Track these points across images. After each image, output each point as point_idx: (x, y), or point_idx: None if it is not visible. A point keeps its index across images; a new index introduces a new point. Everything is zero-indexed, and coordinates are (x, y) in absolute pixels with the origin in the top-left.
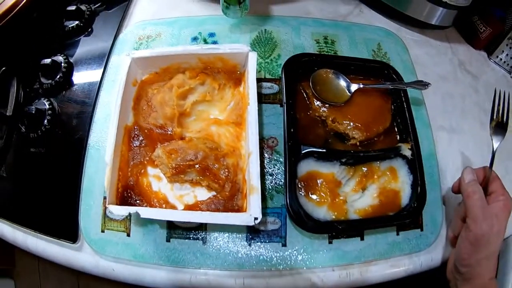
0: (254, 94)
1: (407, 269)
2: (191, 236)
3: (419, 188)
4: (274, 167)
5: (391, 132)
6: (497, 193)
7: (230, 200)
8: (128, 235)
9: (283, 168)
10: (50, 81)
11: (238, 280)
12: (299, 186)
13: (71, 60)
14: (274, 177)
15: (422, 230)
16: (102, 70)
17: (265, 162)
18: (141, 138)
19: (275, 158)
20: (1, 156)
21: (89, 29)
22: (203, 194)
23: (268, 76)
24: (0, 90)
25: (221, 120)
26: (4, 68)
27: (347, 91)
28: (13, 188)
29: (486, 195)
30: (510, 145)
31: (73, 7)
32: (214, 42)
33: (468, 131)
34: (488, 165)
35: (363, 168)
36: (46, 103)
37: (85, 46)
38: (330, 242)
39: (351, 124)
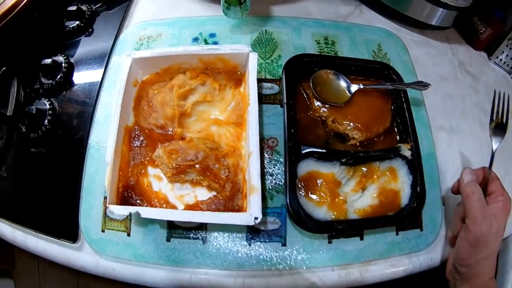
0: (254, 95)
1: (406, 268)
2: (191, 235)
3: (418, 188)
4: (274, 167)
5: (391, 132)
6: (496, 193)
7: (231, 200)
8: (129, 235)
9: (283, 168)
10: (50, 81)
11: (238, 279)
12: (299, 186)
13: (72, 60)
14: (274, 177)
15: (421, 230)
16: (102, 70)
17: (265, 162)
18: (141, 138)
19: (275, 158)
20: (1, 156)
21: (90, 29)
22: (203, 194)
23: (268, 77)
24: (0, 90)
25: (222, 120)
26: (4, 68)
27: (347, 92)
28: (13, 188)
29: (485, 196)
30: (510, 145)
31: (73, 7)
32: (215, 43)
33: (468, 132)
34: (488, 166)
35: (363, 168)
36: (47, 103)
37: (86, 46)
38: (329, 242)
39: (351, 124)
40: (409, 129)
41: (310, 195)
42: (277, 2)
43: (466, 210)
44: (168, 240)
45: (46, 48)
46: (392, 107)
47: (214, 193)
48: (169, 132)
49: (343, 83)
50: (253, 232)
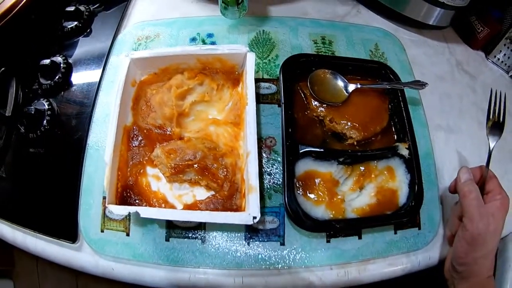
0: (252, 94)
1: (405, 267)
2: (190, 235)
3: (416, 187)
4: (272, 167)
5: (388, 131)
6: (494, 192)
7: (229, 199)
8: (128, 234)
9: (281, 168)
10: (49, 81)
11: (237, 279)
12: (297, 185)
13: (70, 61)
14: (272, 176)
15: (419, 228)
16: (101, 70)
17: (263, 162)
18: (140, 138)
19: (273, 157)
20: (0, 157)
21: (88, 30)
22: (202, 193)
23: (266, 77)
24: None
25: (220, 120)
26: (3, 69)
27: (344, 91)
28: (12, 188)
29: (483, 194)
30: (508, 145)
31: (72, 8)
32: (213, 43)
33: (465, 131)
34: (485, 165)
35: (360, 168)
36: (45, 104)
37: (84, 47)
38: (328, 241)
39: (349, 124)
40: (406, 128)
41: (308, 194)
42: (274, 2)
43: (463, 209)
44: (167, 240)
45: (45, 49)
46: (390, 107)
47: (213, 192)
48: (168, 132)
49: (340, 83)
50: (251, 232)
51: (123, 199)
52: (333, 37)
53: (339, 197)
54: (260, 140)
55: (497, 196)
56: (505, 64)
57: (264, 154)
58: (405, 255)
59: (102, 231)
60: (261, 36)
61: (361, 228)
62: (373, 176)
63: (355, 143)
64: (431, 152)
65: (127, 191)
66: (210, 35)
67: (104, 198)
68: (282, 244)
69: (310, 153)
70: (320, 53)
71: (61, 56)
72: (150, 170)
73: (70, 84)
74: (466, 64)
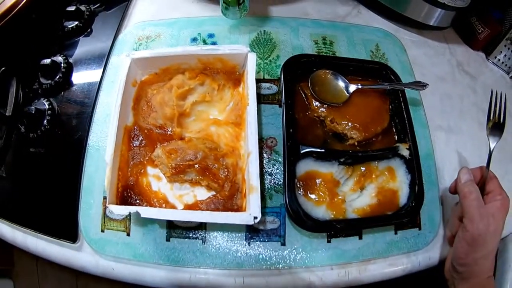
0: (253, 95)
1: (405, 268)
2: (190, 235)
3: (417, 188)
4: (273, 167)
5: (389, 132)
6: (494, 192)
7: (230, 199)
8: (128, 234)
9: (282, 168)
10: (49, 81)
11: (237, 279)
12: (298, 185)
13: (71, 61)
14: (273, 176)
15: (420, 229)
16: (101, 70)
17: (264, 162)
18: (141, 138)
19: (274, 158)
20: (0, 156)
21: (89, 30)
22: (202, 193)
23: (267, 77)
24: None
25: (221, 120)
26: (3, 68)
27: (345, 92)
28: (12, 188)
29: (483, 195)
30: (509, 145)
31: (72, 8)
32: (214, 43)
33: (466, 132)
34: (485, 165)
35: (361, 168)
36: (46, 103)
37: (85, 47)
38: (328, 241)
39: (350, 124)
40: (407, 129)
41: (309, 194)
42: (275, 3)
43: (463, 210)
44: (167, 240)
45: (45, 48)
46: (390, 107)
47: (214, 192)
48: (168, 132)
49: (341, 83)
50: (252, 232)
51: (123, 199)
52: (334, 37)
53: (340, 197)
54: (261, 140)
55: (498, 197)
56: (506, 65)
57: (265, 155)
58: (405, 256)
59: (102, 231)
60: (262, 37)
61: (362, 228)
62: (373, 176)
63: (356, 143)
64: (432, 153)
65: (128, 191)
66: (211, 35)
67: (105, 198)
68: (283, 244)
69: (311, 153)
70: (321, 54)
71: (61, 56)
72: (150, 170)
73: (70, 84)
74: (466, 64)
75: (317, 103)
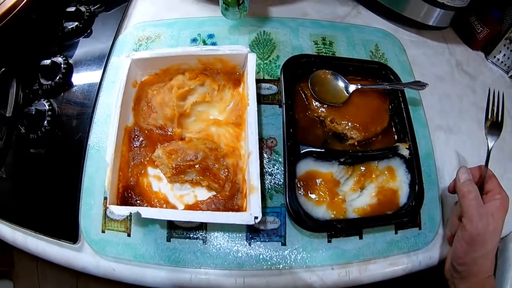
0: (253, 95)
1: (405, 267)
2: (191, 235)
3: (417, 187)
4: (273, 167)
5: (389, 132)
6: (493, 192)
7: (230, 199)
8: (129, 235)
9: (282, 168)
10: (49, 82)
11: (238, 279)
12: (298, 185)
13: (71, 61)
14: (274, 177)
15: (420, 228)
16: (101, 71)
17: (265, 162)
18: (141, 138)
19: (274, 158)
20: (0, 157)
21: (89, 31)
22: (203, 194)
23: (267, 77)
24: None
25: (221, 120)
26: (3, 69)
27: (345, 92)
28: (13, 189)
29: (482, 194)
30: (507, 144)
31: (72, 8)
32: (213, 44)
33: (465, 131)
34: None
35: (361, 168)
36: (46, 104)
37: (85, 47)
38: (329, 241)
39: (349, 124)
40: (407, 128)
41: (309, 194)
42: (275, 3)
43: (462, 209)
44: (168, 240)
45: (45, 49)
46: (390, 107)
47: (214, 193)
48: (169, 133)
49: (341, 83)
50: (253, 232)
51: (124, 200)
52: (334, 37)
53: (340, 197)
54: (261, 140)
55: (497, 196)
56: (505, 64)
57: (265, 155)
58: (405, 255)
59: (103, 231)
60: (262, 37)
61: (362, 228)
62: (373, 176)
63: (356, 143)
64: (432, 152)
65: (128, 192)
66: (211, 36)
67: (105, 198)
68: (284, 244)
69: (311, 153)
70: (320, 54)
71: (61, 56)
72: (151, 170)
73: (70, 85)
74: (466, 64)
75: (317, 103)
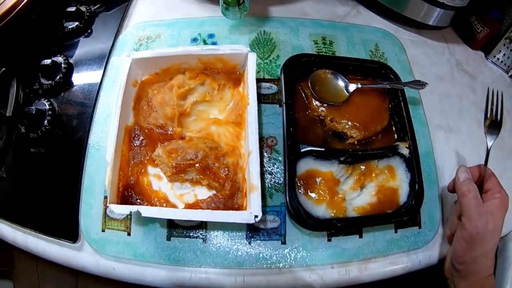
0: (253, 94)
1: (405, 266)
2: (191, 234)
3: (416, 186)
4: (274, 166)
5: (389, 131)
6: (493, 190)
7: (230, 198)
8: (129, 234)
9: (282, 167)
10: (50, 81)
11: (238, 278)
12: (298, 184)
13: (71, 61)
14: (274, 176)
15: (420, 227)
16: (102, 71)
17: (265, 161)
18: (141, 138)
19: (274, 157)
20: (1, 157)
21: (89, 30)
22: (203, 193)
23: (267, 77)
24: (0, 91)
25: (221, 120)
26: (4, 69)
27: (345, 91)
28: (13, 188)
29: (482, 193)
30: (507, 143)
31: (72, 8)
32: (214, 43)
33: (465, 131)
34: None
35: (361, 167)
36: (46, 104)
37: (85, 47)
38: (329, 240)
39: (349, 123)
40: (406, 127)
41: (309, 193)
42: (275, 3)
43: (462, 208)
44: (168, 239)
45: (45, 49)
46: (390, 106)
47: (214, 192)
48: (169, 132)
49: (341, 83)
50: (253, 231)
51: (124, 199)
52: (334, 37)
53: (340, 196)
54: (261, 139)
55: (496, 195)
56: (505, 64)
57: (265, 154)
58: (405, 254)
59: (103, 230)
60: (262, 37)
61: (362, 227)
62: (373, 175)
63: (356, 142)
64: (431, 152)
65: (129, 191)
66: (211, 36)
67: (105, 197)
68: (283, 243)
69: (311, 152)
70: (320, 53)
71: (62, 56)
72: (151, 169)
73: (71, 84)
74: (465, 64)
75: (317, 102)
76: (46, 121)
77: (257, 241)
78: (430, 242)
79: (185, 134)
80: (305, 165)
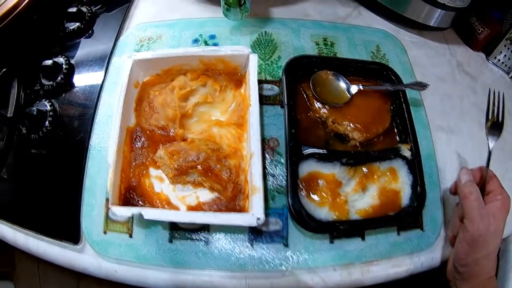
0: (255, 96)
1: (408, 269)
2: (193, 237)
3: (418, 188)
4: (276, 168)
5: (390, 133)
6: (494, 192)
7: (232, 201)
8: (131, 236)
9: (284, 169)
10: (51, 82)
11: (240, 281)
12: (301, 186)
13: (72, 62)
14: (276, 178)
15: (422, 230)
16: (103, 72)
17: (267, 163)
18: (143, 139)
19: (276, 159)
20: (1, 158)
21: (90, 31)
22: (205, 195)
23: (268, 78)
24: (0, 92)
25: (223, 121)
26: (4, 69)
27: (347, 93)
28: (14, 189)
29: (483, 195)
30: (508, 145)
31: (73, 9)
32: (215, 44)
33: (466, 132)
34: (485, 165)
35: (363, 169)
36: (47, 105)
37: (86, 48)
38: (331, 242)
39: (351, 125)
40: (408, 129)
41: (311, 195)
42: (276, 4)
43: (464, 210)
44: (170, 242)
45: (46, 50)
46: (391, 108)
47: (216, 194)
48: (171, 133)
49: (342, 84)
50: (255, 233)
51: (126, 201)
52: (335, 38)
53: (342, 198)
54: (263, 141)
55: (498, 197)
56: (506, 65)
57: (267, 156)
58: (408, 256)
59: (104, 232)
60: (263, 38)
61: (364, 229)
62: (375, 177)
63: (358, 144)
64: (433, 153)
65: (130, 192)
66: (212, 37)
67: (107, 199)
68: (286, 245)
69: (313, 154)
70: (322, 55)
71: (63, 57)
72: (153, 171)
73: (72, 85)
74: (466, 65)
75: (318, 104)
76: (47, 122)
77: (260, 244)
78: (433, 244)
79: (187, 136)
80: (307, 167)
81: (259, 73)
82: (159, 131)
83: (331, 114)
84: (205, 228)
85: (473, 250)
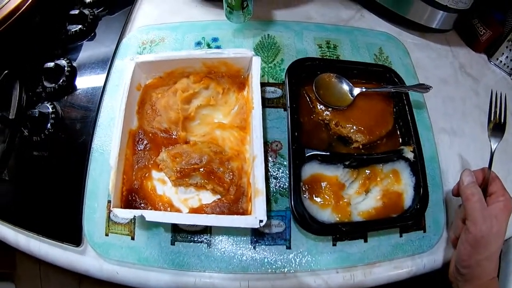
0: (258, 98)
1: (410, 270)
2: (196, 239)
3: (421, 190)
4: (278, 171)
5: (393, 135)
6: (497, 194)
7: (235, 203)
8: (133, 238)
9: (287, 172)
10: (53, 85)
11: (243, 283)
12: (303, 189)
13: (74, 64)
14: (278, 180)
15: (425, 231)
16: (105, 74)
17: (269, 166)
18: (145, 142)
19: (279, 161)
20: (3, 160)
21: (92, 34)
22: (207, 197)
23: (271, 81)
24: (2, 94)
25: (225, 124)
26: (7, 72)
27: (349, 95)
28: (16, 191)
29: (486, 196)
30: (511, 146)
31: (76, 11)
32: (218, 47)
33: (469, 134)
34: (487, 167)
35: (366, 171)
36: (49, 107)
37: (88, 51)
38: (334, 244)
39: (354, 127)
40: (411, 131)
41: (314, 197)
42: (279, 7)
43: (466, 212)
44: (172, 244)
45: (49, 52)
46: (394, 110)
47: (219, 196)
48: (173, 136)
49: (345, 87)
50: (257, 235)
51: (128, 203)
52: (338, 41)
53: (345, 200)
54: (266, 144)
55: (500, 198)
56: (508, 66)
57: (270, 158)
58: (410, 258)
59: (106, 234)
60: (266, 40)
61: (367, 231)
62: (378, 179)
63: (361, 146)
64: (436, 155)
65: (132, 195)
66: (215, 39)
67: (109, 201)
68: (288, 247)
69: (316, 156)
70: (325, 57)
71: (65, 59)
72: (155, 174)
73: (74, 88)
74: (469, 67)
75: (321, 106)
76: (49, 124)
77: (262, 246)
78: (435, 246)
79: (189, 138)
80: (310, 170)
81: (262, 76)
82: (161, 134)
83: (334, 116)
84: (207, 230)
85: (475, 251)
